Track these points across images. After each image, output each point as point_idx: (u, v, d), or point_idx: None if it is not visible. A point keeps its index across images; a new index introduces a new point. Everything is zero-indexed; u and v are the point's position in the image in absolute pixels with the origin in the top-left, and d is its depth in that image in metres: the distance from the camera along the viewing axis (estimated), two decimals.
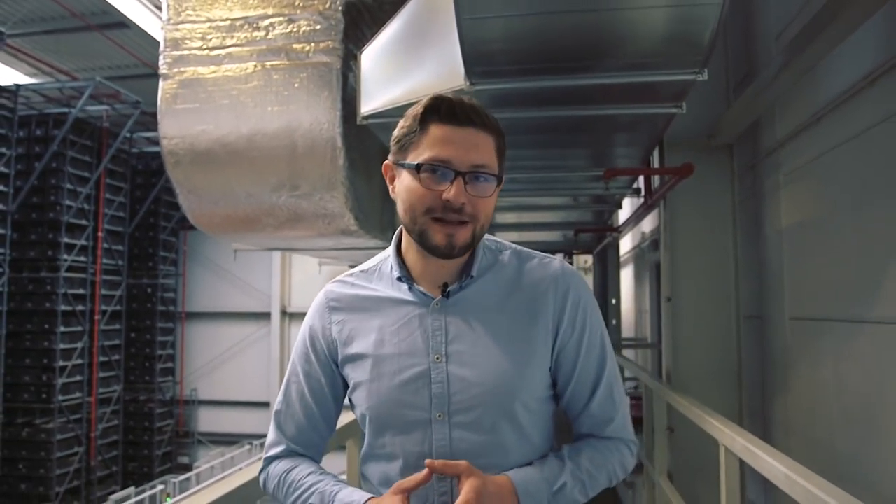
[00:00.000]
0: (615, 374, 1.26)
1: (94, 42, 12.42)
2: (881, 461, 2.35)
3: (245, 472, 1.97)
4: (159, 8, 11.94)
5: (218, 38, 3.09)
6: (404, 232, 1.25)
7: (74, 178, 14.25)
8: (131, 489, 13.13)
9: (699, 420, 2.56)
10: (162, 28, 3.17)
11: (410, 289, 1.23)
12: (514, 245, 1.30)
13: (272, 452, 1.30)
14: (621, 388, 1.29)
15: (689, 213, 3.74)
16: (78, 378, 14.31)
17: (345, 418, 1.71)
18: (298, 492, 1.20)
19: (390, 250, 1.29)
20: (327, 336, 1.28)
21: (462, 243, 1.15)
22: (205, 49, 3.10)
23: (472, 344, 1.19)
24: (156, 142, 16.88)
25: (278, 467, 1.27)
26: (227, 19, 3.09)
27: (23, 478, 13.37)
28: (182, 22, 3.12)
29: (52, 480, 13.28)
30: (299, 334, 1.33)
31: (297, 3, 3.07)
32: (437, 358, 1.18)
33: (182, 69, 3.11)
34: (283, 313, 17.73)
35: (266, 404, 17.43)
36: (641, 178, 4.14)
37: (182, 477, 14.16)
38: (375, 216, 3.80)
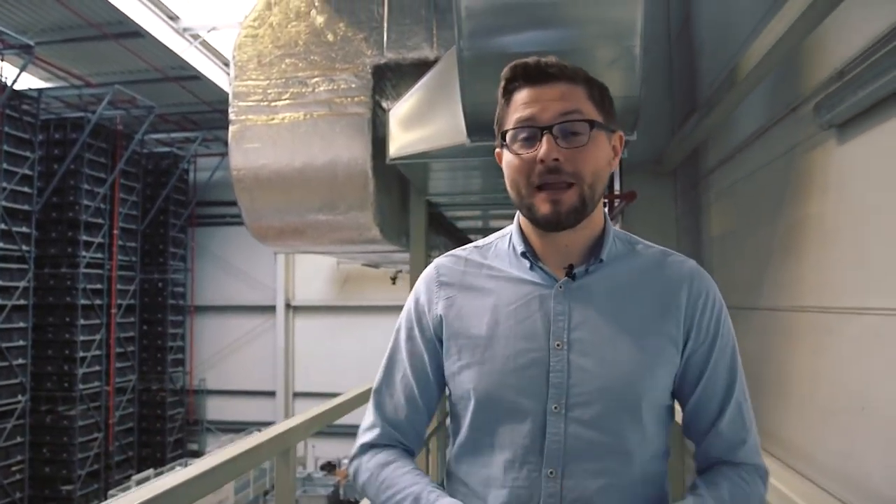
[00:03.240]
0: (745, 392, 1.13)
1: (110, 49, 13.16)
2: (765, 419, 3.27)
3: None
4: (172, 18, 12.82)
5: (275, 93, 4.00)
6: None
7: (92, 178, 14.79)
8: (150, 471, 13.88)
9: None
10: (230, 83, 4.07)
11: (532, 268, 1.11)
12: (649, 242, 1.19)
13: (368, 438, 1.18)
14: (750, 408, 1.13)
15: (642, 225, 4.67)
16: (96, 368, 14.84)
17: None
18: (391, 490, 1.08)
19: (511, 227, 1.18)
20: (434, 313, 1.16)
21: (569, 208, 1.03)
22: (264, 101, 4.01)
23: (597, 332, 1.06)
24: (166, 143, 17.78)
25: (374, 460, 1.15)
26: (281, 78, 4.00)
27: (47, 461, 13.93)
28: (246, 79, 4.03)
29: (75, 464, 13.86)
30: (404, 308, 1.21)
31: (336, 66, 3.97)
32: (558, 345, 1.06)
33: (247, 116, 4.02)
34: (288, 306, 17.98)
35: (271, 393, 17.95)
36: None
37: (194, 462, 14.84)
38: (395, 226, 4.73)
